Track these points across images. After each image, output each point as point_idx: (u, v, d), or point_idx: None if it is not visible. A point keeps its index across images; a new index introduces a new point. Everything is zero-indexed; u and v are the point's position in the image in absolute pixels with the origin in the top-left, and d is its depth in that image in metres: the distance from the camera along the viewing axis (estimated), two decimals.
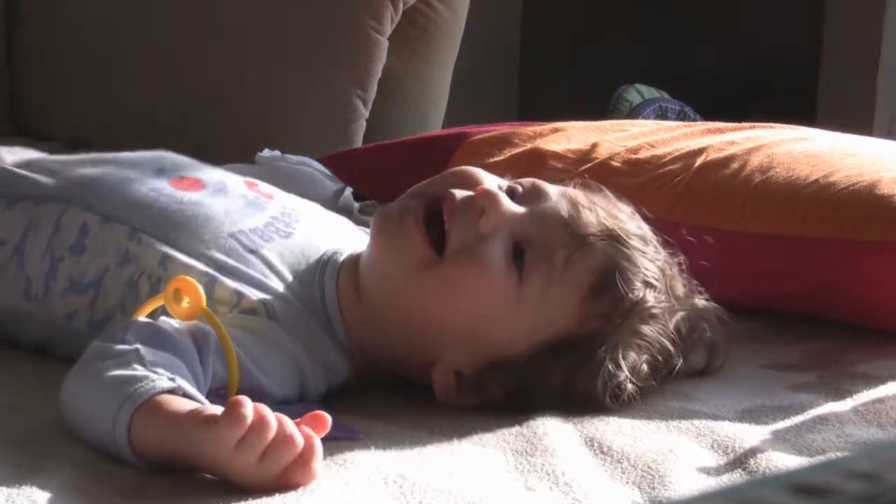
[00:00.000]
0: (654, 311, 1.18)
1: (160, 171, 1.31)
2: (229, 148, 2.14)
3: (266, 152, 1.93)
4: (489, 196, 1.16)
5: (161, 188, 1.27)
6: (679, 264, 1.24)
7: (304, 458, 0.97)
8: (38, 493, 0.95)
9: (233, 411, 0.95)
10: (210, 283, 1.19)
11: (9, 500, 0.93)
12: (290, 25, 2.30)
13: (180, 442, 0.98)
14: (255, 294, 1.18)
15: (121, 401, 1.00)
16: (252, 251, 1.22)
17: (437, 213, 1.18)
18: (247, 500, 0.95)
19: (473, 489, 0.98)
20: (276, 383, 1.12)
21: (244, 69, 2.29)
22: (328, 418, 1.00)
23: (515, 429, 1.11)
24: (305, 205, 1.34)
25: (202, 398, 1.03)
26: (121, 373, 1.03)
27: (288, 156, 1.91)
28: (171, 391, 1.01)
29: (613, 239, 1.17)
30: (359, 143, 2.28)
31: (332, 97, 2.29)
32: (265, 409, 0.96)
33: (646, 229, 1.23)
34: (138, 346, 1.06)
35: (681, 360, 1.22)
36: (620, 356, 1.15)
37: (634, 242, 1.18)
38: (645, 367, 1.18)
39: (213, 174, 1.33)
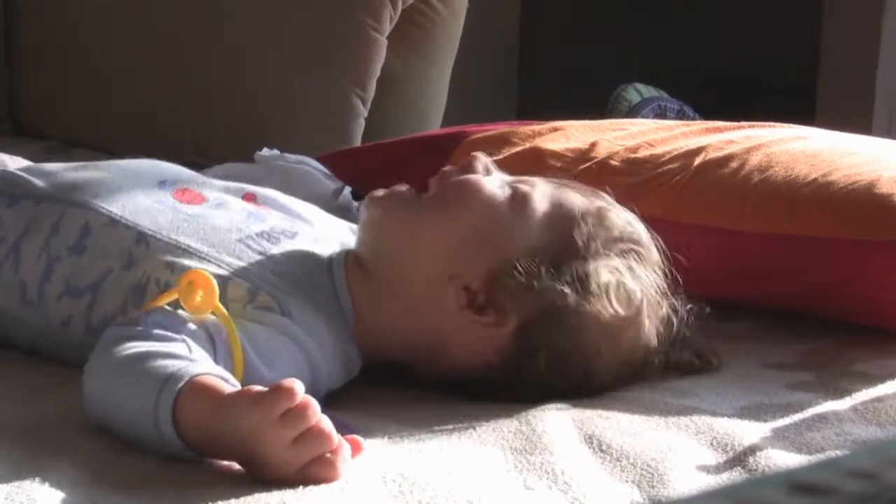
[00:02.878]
0: (641, 251, 1.23)
1: (162, 182, 1.33)
2: (229, 147, 2.14)
3: (265, 151, 1.92)
4: (479, 156, 1.27)
5: (165, 200, 1.29)
6: (670, 261, 1.26)
7: (334, 453, 0.98)
8: (37, 490, 0.95)
9: (284, 385, 0.98)
10: (223, 283, 1.19)
11: (8, 498, 0.93)
12: (290, 25, 2.30)
13: (223, 414, 0.99)
14: (268, 292, 1.19)
15: (164, 378, 1.01)
16: (261, 253, 1.24)
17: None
18: (248, 494, 0.95)
19: (472, 488, 0.98)
20: (279, 379, 1.13)
21: (244, 69, 2.29)
22: (362, 444, 1.03)
23: (514, 427, 1.11)
24: (305, 209, 1.36)
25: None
26: (168, 349, 1.05)
27: (287, 155, 1.91)
28: (222, 378, 1.03)
29: (600, 206, 1.25)
30: (358, 143, 2.28)
31: (332, 96, 2.29)
32: (311, 398, 0.98)
33: (638, 227, 1.26)
34: (185, 337, 1.08)
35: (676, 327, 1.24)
36: (618, 265, 1.20)
37: (623, 212, 1.26)
38: (638, 293, 1.20)
39: (212, 191, 1.34)
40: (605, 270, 1.19)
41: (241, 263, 1.22)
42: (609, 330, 1.19)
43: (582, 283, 1.18)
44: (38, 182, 1.32)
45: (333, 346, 1.19)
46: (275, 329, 1.16)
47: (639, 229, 1.25)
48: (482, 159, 1.27)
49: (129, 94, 2.32)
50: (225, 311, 1.11)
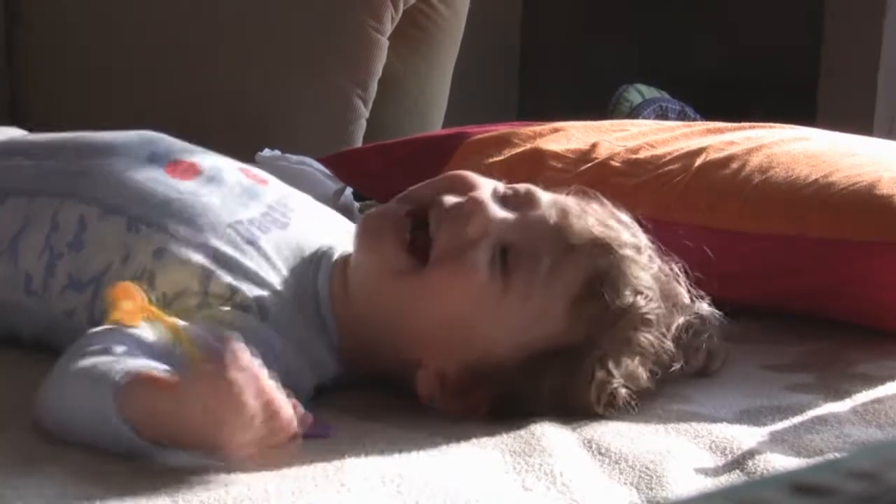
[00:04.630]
0: (648, 317, 1.17)
1: (153, 155, 1.31)
2: (229, 148, 2.13)
3: (266, 152, 1.93)
4: (477, 203, 1.17)
5: (157, 177, 1.27)
6: (680, 270, 1.24)
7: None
8: (35, 491, 0.94)
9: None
10: (206, 279, 1.19)
11: (4, 498, 0.93)
12: (291, 25, 2.30)
13: (173, 399, 0.98)
14: (249, 291, 1.19)
15: (108, 380, 1.01)
16: (250, 242, 1.23)
17: (426, 218, 1.18)
18: (244, 497, 0.95)
19: (470, 489, 0.98)
20: None
21: (244, 69, 2.29)
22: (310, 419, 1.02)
23: (513, 429, 1.11)
24: (299, 194, 1.35)
25: None
26: (100, 359, 1.04)
27: (288, 155, 1.91)
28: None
29: (603, 248, 1.17)
30: (359, 143, 2.28)
31: (333, 97, 2.29)
32: (259, 370, 0.97)
33: (641, 238, 1.22)
34: (111, 344, 1.07)
35: (681, 364, 1.22)
36: (611, 364, 1.15)
37: (625, 251, 1.18)
38: (641, 370, 1.18)
39: (206, 158, 1.33)
40: (596, 373, 1.14)
41: (229, 252, 1.21)
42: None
43: (568, 379, 1.15)
44: (23, 168, 1.30)
45: (308, 348, 1.18)
46: (247, 332, 1.15)
47: (651, 298, 1.17)
48: (484, 211, 1.16)
49: (130, 95, 2.32)
50: (161, 313, 1.09)
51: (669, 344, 1.20)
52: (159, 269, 1.19)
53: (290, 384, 1.14)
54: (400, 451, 1.06)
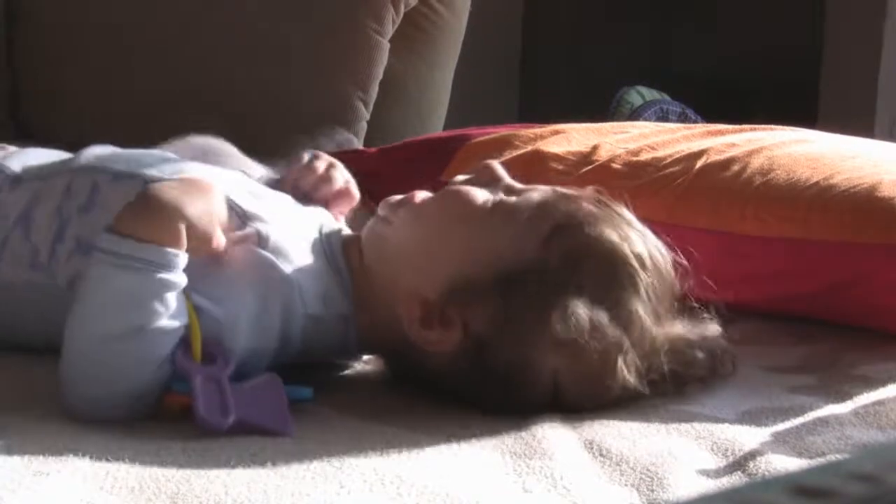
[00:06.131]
0: (631, 272, 1.16)
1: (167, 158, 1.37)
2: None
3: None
4: (489, 164, 1.25)
5: (170, 156, 1.35)
6: (684, 272, 1.23)
7: None
8: (35, 490, 0.94)
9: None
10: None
11: (4, 500, 0.93)
12: (292, 28, 2.30)
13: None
14: (251, 225, 1.22)
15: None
16: (261, 198, 1.28)
17: None
18: (244, 497, 0.95)
19: (471, 491, 0.98)
20: (227, 315, 1.15)
21: (246, 71, 2.29)
22: None
23: (514, 431, 1.11)
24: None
25: None
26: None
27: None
28: None
29: (603, 203, 1.19)
30: (360, 145, 2.28)
31: (334, 99, 2.29)
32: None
33: (642, 244, 1.20)
34: None
35: (674, 368, 1.21)
36: (586, 300, 1.13)
37: (625, 213, 1.20)
38: (615, 331, 1.14)
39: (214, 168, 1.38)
40: (566, 301, 1.12)
41: (239, 199, 1.24)
42: (564, 361, 1.14)
43: (537, 307, 1.13)
44: (41, 166, 1.35)
45: (313, 278, 1.20)
46: (234, 265, 1.18)
47: (637, 249, 1.17)
48: (492, 170, 1.23)
49: (130, 95, 2.32)
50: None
51: (660, 331, 1.18)
52: None
53: (282, 292, 1.17)
54: (400, 453, 1.06)
